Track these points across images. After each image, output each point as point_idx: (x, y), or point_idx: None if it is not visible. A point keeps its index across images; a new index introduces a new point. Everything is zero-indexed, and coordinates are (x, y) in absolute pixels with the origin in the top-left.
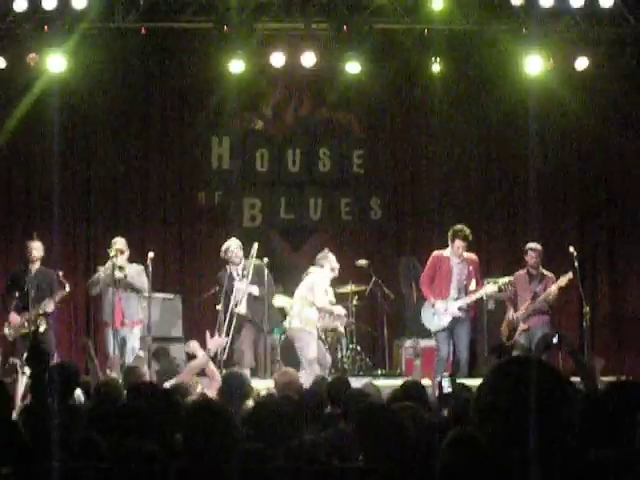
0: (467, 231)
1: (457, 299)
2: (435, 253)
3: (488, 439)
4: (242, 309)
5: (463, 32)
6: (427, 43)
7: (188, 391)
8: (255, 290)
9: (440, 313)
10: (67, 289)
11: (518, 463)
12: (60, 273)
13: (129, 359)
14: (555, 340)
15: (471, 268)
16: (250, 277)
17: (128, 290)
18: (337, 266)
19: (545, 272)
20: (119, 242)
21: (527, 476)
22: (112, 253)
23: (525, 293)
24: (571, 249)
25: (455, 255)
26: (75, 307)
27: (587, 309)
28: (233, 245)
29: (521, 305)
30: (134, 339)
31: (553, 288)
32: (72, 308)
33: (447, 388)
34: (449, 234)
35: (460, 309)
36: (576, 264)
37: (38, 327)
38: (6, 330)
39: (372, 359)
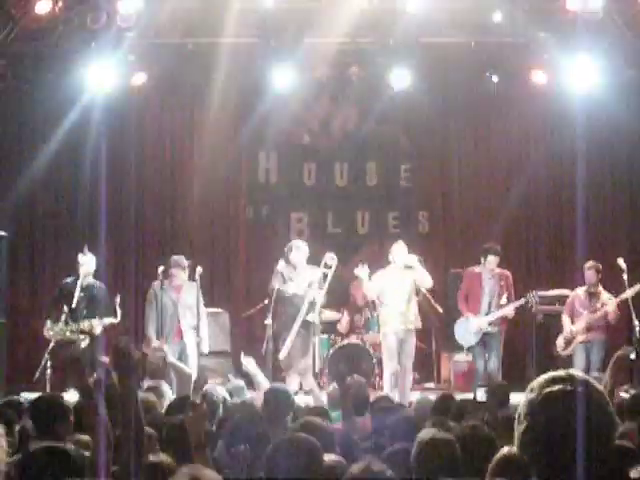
0: (497, 247)
1: (488, 314)
2: (468, 270)
3: (531, 460)
4: (315, 318)
5: (514, 45)
6: (475, 56)
7: None
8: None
9: (472, 329)
10: (118, 319)
11: None
12: (117, 299)
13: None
14: (633, 356)
15: (502, 283)
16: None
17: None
18: None
19: (602, 290)
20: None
21: None
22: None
23: (582, 308)
24: (620, 261)
25: (487, 271)
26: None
27: (637, 322)
28: (302, 246)
29: (577, 320)
30: (191, 345)
31: (611, 305)
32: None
33: (481, 398)
34: (481, 251)
35: (490, 324)
36: (625, 277)
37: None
38: (48, 332)
39: (421, 372)
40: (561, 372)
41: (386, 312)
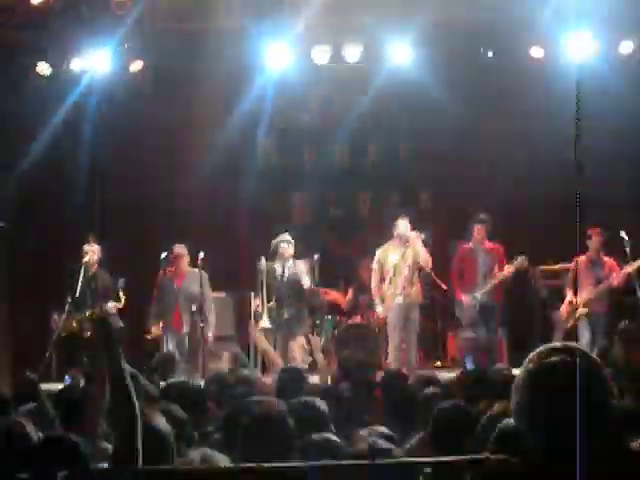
0: (481, 216)
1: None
2: (460, 244)
3: (530, 430)
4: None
5: (511, 20)
6: (472, 32)
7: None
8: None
9: (467, 306)
10: (122, 303)
11: (560, 455)
12: (121, 283)
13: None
14: None
15: (495, 256)
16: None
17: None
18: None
19: (605, 257)
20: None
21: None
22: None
23: (586, 278)
24: (623, 234)
25: (477, 244)
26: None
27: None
28: (284, 239)
29: (581, 290)
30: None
31: (622, 273)
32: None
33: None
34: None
35: (475, 298)
36: (627, 249)
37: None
38: (56, 323)
39: (428, 351)
40: (558, 344)
41: (387, 286)
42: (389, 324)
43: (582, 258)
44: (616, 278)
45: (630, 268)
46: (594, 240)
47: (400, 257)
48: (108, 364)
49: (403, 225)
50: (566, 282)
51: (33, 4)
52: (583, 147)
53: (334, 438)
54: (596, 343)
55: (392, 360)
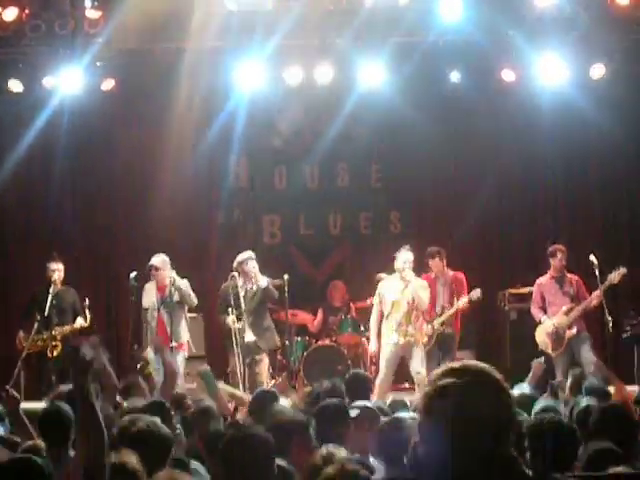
0: (432, 250)
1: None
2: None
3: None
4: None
5: (479, 42)
6: (442, 54)
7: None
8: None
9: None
10: (87, 322)
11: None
12: (86, 302)
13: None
14: None
15: (454, 286)
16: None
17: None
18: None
19: (568, 274)
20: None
21: None
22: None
23: (556, 298)
24: (592, 258)
25: (439, 275)
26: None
27: (608, 318)
28: (250, 257)
29: (553, 310)
30: (181, 362)
31: (598, 291)
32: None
33: None
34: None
35: (442, 324)
36: (597, 272)
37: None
38: (21, 343)
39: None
40: (456, 364)
41: (385, 323)
42: (383, 358)
43: (544, 279)
44: (595, 298)
45: (604, 287)
46: (559, 257)
47: (400, 293)
48: (78, 394)
49: (403, 260)
50: (533, 305)
51: (5, 21)
52: (553, 168)
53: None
54: (586, 366)
55: (376, 395)
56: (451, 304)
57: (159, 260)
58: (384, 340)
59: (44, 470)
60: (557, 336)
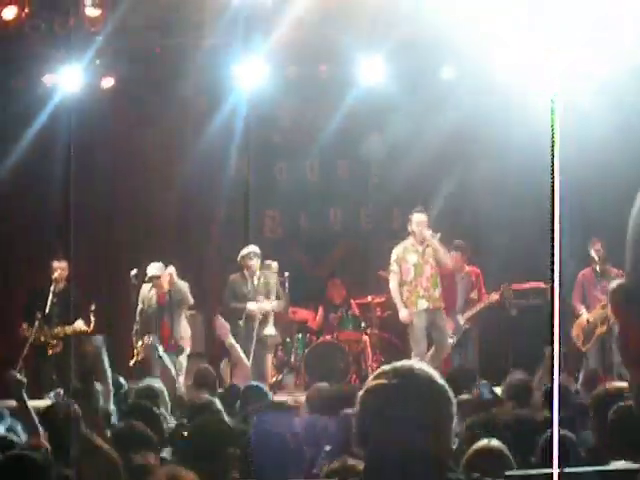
0: (457, 242)
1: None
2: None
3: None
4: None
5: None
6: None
7: None
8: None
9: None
10: (90, 327)
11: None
12: (92, 307)
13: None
14: None
15: (473, 279)
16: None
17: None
18: None
19: (611, 267)
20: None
21: None
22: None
23: (596, 291)
24: (592, 253)
25: (458, 269)
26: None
27: None
28: (252, 251)
29: (592, 305)
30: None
31: None
32: None
33: (487, 394)
34: None
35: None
36: (597, 269)
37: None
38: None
39: None
40: (387, 366)
41: (408, 290)
42: (413, 332)
43: (586, 271)
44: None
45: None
46: (597, 249)
47: (420, 256)
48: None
49: (417, 221)
50: (574, 297)
51: (5, 19)
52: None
53: None
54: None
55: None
56: (470, 299)
57: (156, 268)
58: (411, 309)
59: (41, 465)
60: (589, 331)
